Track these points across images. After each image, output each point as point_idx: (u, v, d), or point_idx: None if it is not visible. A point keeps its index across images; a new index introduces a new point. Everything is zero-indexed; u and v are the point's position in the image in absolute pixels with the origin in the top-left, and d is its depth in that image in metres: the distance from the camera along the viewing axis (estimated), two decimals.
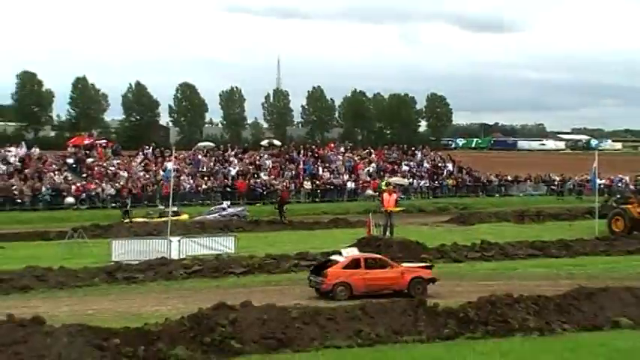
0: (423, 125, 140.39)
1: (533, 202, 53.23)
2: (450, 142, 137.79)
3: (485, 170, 64.62)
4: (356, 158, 63.13)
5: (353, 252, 24.24)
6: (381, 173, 59.71)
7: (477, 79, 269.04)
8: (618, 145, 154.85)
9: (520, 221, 42.85)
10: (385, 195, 37.14)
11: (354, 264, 22.84)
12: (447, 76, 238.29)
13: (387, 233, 33.91)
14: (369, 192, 54.55)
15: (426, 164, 63.64)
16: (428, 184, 59.44)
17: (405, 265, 24.11)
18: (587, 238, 33.91)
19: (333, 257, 24.06)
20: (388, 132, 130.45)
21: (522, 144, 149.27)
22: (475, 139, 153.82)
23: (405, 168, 61.80)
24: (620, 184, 57.86)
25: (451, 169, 63.17)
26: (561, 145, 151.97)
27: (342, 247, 25.92)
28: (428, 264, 25.27)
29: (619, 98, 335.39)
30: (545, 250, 31.04)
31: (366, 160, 63.35)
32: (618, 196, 44.06)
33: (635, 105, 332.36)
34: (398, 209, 37.59)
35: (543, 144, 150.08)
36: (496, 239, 32.54)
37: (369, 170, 60.32)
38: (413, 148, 68.42)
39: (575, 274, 26.43)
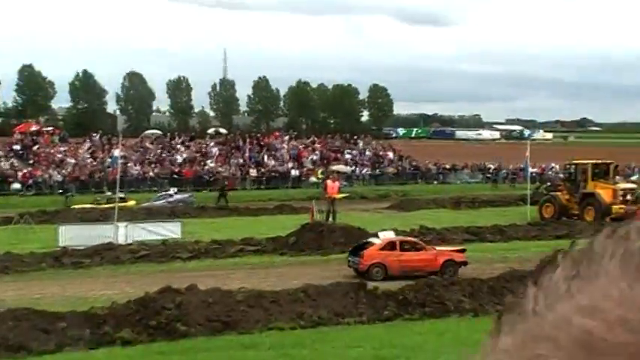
0: (365, 115, 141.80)
1: (469, 190, 54.49)
2: (391, 132, 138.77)
3: (425, 159, 65.69)
4: (300, 146, 63.76)
5: (389, 235, 25.09)
6: (325, 161, 60.48)
7: (417, 71, 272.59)
8: (549, 136, 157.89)
9: (457, 207, 43.97)
10: (329, 182, 37.96)
11: (389, 246, 23.83)
12: (389, 67, 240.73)
13: (330, 219, 34.70)
14: (313, 179, 55.29)
15: (367, 153, 64.59)
16: (369, 172, 60.44)
17: (438, 248, 25.20)
18: (520, 224, 35.16)
19: (371, 239, 24.87)
20: (332, 121, 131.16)
21: (460, 134, 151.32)
22: (415, 129, 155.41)
23: (347, 156, 62.69)
24: (550, 172, 59.65)
25: (392, 158, 64.29)
26: (496, 135, 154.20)
27: (290, 232, 26.44)
28: (460, 248, 26.21)
29: (550, 90, 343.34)
30: (480, 235, 32.13)
31: (310, 148, 64.05)
32: (549, 183, 45.62)
33: (565, 97, 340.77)
34: (340, 196, 38.40)
35: (479, 134, 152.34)
36: (434, 225, 33.53)
37: (312, 158, 61.03)
38: (355, 137, 69.29)
39: (508, 257, 27.41)
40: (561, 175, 46.88)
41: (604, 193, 38.06)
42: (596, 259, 0.56)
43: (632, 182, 45.56)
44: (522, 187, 46.48)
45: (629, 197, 38.06)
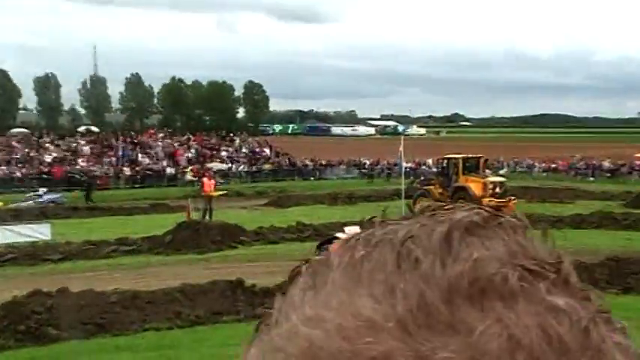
0: (241, 112, 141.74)
1: (346, 185, 55.20)
2: (267, 129, 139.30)
3: (301, 155, 66.30)
4: (175, 144, 63.03)
5: (355, 229, 25.16)
6: (201, 159, 60.02)
7: (292, 68, 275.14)
8: (422, 131, 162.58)
9: (333, 203, 44.48)
10: (205, 180, 37.63)
11: None
12: (264, 64, 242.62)
13: (207, 217, 34.43)
14: (189, 177, 54.77)
15: (244, 150, 64.56)
16: (246, 169, 60.39)
17: None
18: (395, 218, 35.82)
19: (337, 234, 24.95)
20: (207, 119, 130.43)
21: (335, 130, 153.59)
22: (291, 126, 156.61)
23: (224, 153, 62.44)
24: (424, 167, 61.22)
25: (269, 155, 64.47)
26: (371, 130, 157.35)
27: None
28: None
29: (422, 86, 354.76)
30: None
31: (186, 146, 63.40)
32: (422, 178, 46.85)
33: (437, 93, 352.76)
34: (217, 194, 38.14)
35: (355, 130, 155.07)
36: (311, 221, 33.76)
37: (188, 156, 60.44)
38: (231, 134, 69.25)
39: None
40: (434, 170, 48.18)
41: (474, 186, 39.34)
42: (328, 269, 0.59)
43: (501, 176, 47.33)
44: (397, 181, 47.42)
45: (498, 190, 39.46)
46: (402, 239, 0.58)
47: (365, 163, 64.88)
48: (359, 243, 0.60)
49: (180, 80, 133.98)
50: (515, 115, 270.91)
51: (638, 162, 62.15)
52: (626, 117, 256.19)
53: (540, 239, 0.61)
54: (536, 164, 67.47)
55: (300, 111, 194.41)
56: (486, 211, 0.62)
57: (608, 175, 60.84)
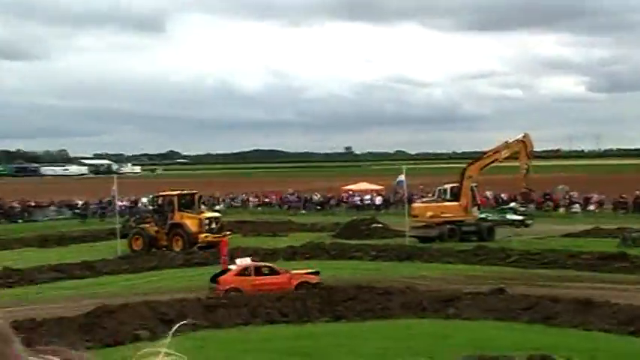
0: None
1: (57, 227, 52.89)
2: None
3: (9, 197, 62.86)
4: None
5: (246, 261, 27.30)
6: None
7: None
8: (138, 169, 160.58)
9: (44, 245, 42.32)
10: None
11: (244, 271, 26.01)
12: None
13: None
14: None
15: None
16: None
17: (293, 271, 26.90)
18: (110, 258, 34.91)
19: (230, 266, 27.06)
20: None
21: (46, 170, 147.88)
22: None
23: None
24: (141, 205, 60.06)
25: None
26: (84, 170, 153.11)
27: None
28: (315, 270, 27.55)
29: (136, 124, 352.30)
30: (68, 272, 31.27)
31: None
32: (137, 216, 46.03)
33: (151, 131, 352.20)
34: None
35: (66, 169, 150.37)
36: (20, 265, 31.91)
37: None
38: None
39: (98, 293, 27.03)
40: (150, 207, 47.54)
41: (190, 223, 39.40)
42: None
43: (217, 211, 47.86)
44: (112, 221, 46.25)
45: (214, 226, 39.83)
46: None
47: (77, 203, 62.57)
48: None
49: None
50: (229, 151, 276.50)
51: (345, 194, 65.90)
52: (333, 151, 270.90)
53: None
54: (251, 199, 69.08)
55: (6, 151, 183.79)
56: None
57: (318, 207, 63.82)
